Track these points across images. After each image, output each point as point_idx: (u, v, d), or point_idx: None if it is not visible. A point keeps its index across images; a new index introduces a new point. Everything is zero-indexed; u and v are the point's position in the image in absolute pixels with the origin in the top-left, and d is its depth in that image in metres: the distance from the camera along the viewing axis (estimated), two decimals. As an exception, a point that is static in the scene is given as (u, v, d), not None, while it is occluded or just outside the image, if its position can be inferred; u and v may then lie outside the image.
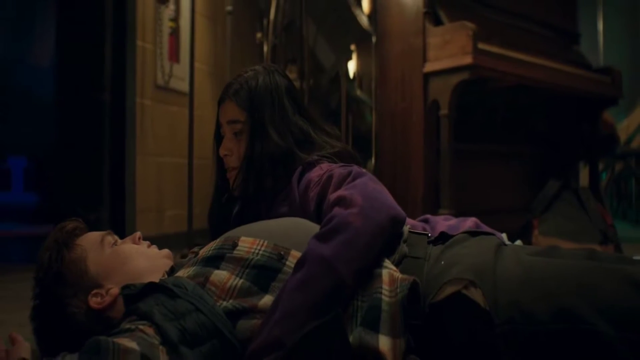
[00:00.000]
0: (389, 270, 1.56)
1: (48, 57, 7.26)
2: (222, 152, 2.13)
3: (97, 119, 4.67)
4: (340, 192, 1.67)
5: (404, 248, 1.69)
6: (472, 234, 1.79)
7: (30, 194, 9.45)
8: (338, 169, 1.84)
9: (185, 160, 4.74)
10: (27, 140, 7.72)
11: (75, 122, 4.77)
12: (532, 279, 1.50)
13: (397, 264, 1.64)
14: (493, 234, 1.83)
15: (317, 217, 1.82)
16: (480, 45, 4.11)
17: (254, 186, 2.06)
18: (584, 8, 7.77)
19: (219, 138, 2.19)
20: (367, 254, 1.56)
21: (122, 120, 4.70)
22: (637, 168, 8.03)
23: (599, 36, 8.76)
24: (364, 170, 1.85)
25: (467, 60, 4.02)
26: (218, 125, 2.19)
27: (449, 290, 1.52)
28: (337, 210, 1.62)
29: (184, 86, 5.14)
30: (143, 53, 4.93)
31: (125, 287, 1.63)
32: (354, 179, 1.73)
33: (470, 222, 2.29)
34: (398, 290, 1.51)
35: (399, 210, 1.67)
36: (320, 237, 1.56)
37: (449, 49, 4.16)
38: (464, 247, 1.68)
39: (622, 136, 7.67)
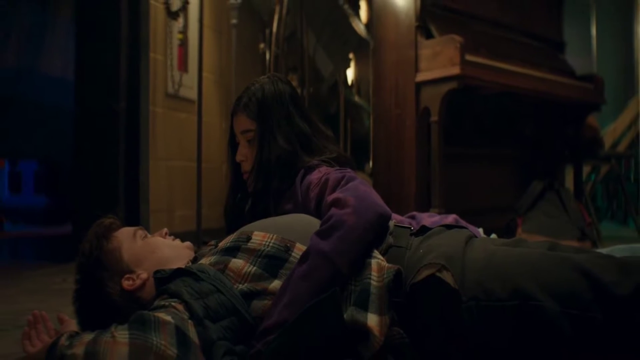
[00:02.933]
0: (377, 260, 1.82)
1: (59, 67, 7.39)
2: (238, 158, 2.34)
3: (113, 126, 4.87)
4: (335, 195, 1.91)
5: (389, 239, 1.94)
6: (448, 227, 2.06)
7: (40, 196, 9.55)
8: (334, 173, 2.07)
9: (194, 163, 4.93)
10: (38, 144, 7.83)
11: (93, 129, 4.98)
12: (493, 263, 1.76)
13: (384, 253, 1.89)
14: (466, 228, 2.11)
15: (317, 214, 2.05)
16: (468, 57, 4.35)
17: (263, 185, 2.26)
18: (577, 13, 7.97)
19: (233, 145, 2.40)
20: (360, 247, 1.82)
21: (136, 127, 4.88)
22: (626, 170, 8.19)
23: (592, 41, 8.86)
24: (355, 174, 2.10)
25: (455, 71, 4.27)
26: (232, 135, 2.40)
27: (426, 272, 1.77)
28: (333, 210, 1.86)
29: (193, 94, 5.33)
30: (154, 64, 5.10)
31: (157, 272, 1.90)
32: (347, 182, 1.97)
33: (450, 218, 2.57)
34: (385, 276, 1.76)
35: (386, 208, 1.92)
36: (320, 234, 1.81)
37: (439, 60, 4.40)
38: (440, 237, 1.94)
39: (609, 139, 7.83)
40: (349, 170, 2.14)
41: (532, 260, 1.76)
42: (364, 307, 1.73)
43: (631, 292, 1.60)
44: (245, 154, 2.35)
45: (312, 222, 1.99)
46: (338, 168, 2.17)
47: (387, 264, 1.81)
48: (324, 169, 2.17)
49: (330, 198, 1.93)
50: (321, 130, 2.42)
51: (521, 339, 1.69)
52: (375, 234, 1.89)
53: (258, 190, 2.29)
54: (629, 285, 1.61)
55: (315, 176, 2.15)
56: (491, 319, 1.70)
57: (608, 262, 1.71)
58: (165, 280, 1.86)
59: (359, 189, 1.93)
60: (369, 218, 1.85)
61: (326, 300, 1.69)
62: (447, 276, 1.75)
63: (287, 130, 2.29)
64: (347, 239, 1.80)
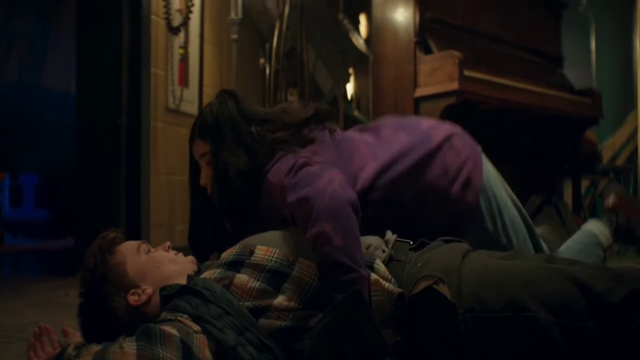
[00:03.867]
0: (376, 276, 1.87)
1: (60, 81, 7.42)
2: (202, 182, 2.39)
3: (114, 140, 4.91)
4: (313, 231, 1.90)
5: (390, 250, 2.00)
6: (446, 241, 2.11)
7: (41, 210, 9.57)
8: (289, 192, 2.08)
9: (195, 178, 4.99)
10: (39, 158, 7.84)
11: (94, 143, 5.02)
12: (488, 275, 1.81)
13: (386, 264, 1.94)
14: (463, 241, 2.15)
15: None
16: (467, 72, 4.39)
17: (227, 203, 2.31)
18: (577, 27, 7.99)
19: (193, 171, 2.46)
20: (357, 239, 1.91)
21: (138, 141, 4.91)
22: (625, 184, 8.20)
23: (591, 54, 8.87)
24: (307, 158, 2.14)
25: (454, 86, 4.31)
26: (193, 162, 2.46)
27: (423, 284, 1.83)
28: (320, 249, 1.88)
29: (193, 109, 5.38)
30: (155, 79, 5.12)
31: (163, 288, 1.93)
32: (309, 200, 1.96)
33: (448, 126, 2.55)
34: (386, 294, 1.83)
35: (346, 193, 1.98)
36: (326, 282, 1.87)
37: (438, 75, 4.43)
38: (437, 251, 1.99)
39: (608, 154, 7.86)
40: (300, 159, 2.15)
41: (526, 272, 1.81)
42: None
43: (622, 300, 1.64)
44: (207, 177, 2.39)
45: None
46: (289, 169, 2.16)
47: (388, 285, 1.85)
48: (277, 177, 2.18)
49: (310, 236, 1.93)
50: (278, 119, 2.41)
51: (517, 349, 1.73)
52: (359, 207, 1.98)
53: (227, 207, 2.33)
54: (620, 293, 1.65)
55: (273, 188, 2.20)
56: (487, 330, 1.74)
57: (601, 271, 1.76)
58: (172, 296, 1.89)
59: (325, 201, 1.95)
60: (347, 216, 1.92)
61: (350, 299, 1.73)
62: (443, 289, 1.80)
63: (236, 145, 2.32)
64: (347, 260, 1.84)
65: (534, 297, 1.71)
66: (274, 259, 1.92)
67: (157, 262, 2.10)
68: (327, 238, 1.86)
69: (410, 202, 2.33)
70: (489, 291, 1.76)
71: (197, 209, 2.51)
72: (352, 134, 2.49)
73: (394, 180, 2.30)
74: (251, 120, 2.37)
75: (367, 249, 1.99)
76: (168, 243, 2.20)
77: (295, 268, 1.91)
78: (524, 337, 1.70)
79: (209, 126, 2.35)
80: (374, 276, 1.86)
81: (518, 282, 1.76)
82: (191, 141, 2.43)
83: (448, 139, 2.43)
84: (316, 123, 2.39)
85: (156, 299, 1.98)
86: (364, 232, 2.03)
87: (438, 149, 2.37)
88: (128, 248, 2.11)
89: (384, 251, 2.00)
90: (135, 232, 4.72)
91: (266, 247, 1.96)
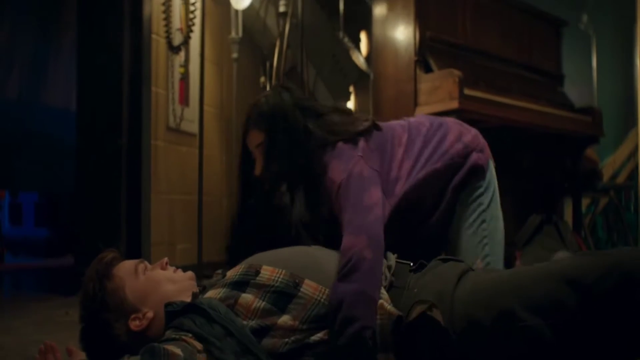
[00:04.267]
0: (381, 300, 1.91)
1: (61, 99, 7.40)
2: (257, 172, 2.41)
3: (115, 159, 4.90)
4: (349, 239, 2.04)
5: (391, 277, 2.03)
6: (444, 260, 2.13)
7: (41, 228, 9.54)
8: (341, 192, 2.20)
9: (195, 197, 4.98)
10: (39, 176, 7.83)
11: (95, 163, 5.02)
12: (477, 290, 1.84)
13: (387, 290, 1.98)
14: (462, 261, 2.15)
15: None
16: (467, 91, 4.39)
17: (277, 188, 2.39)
18: (578, 45, 8.01)
19: (245, 166, 2.49)
20: (381, 267, 2.02)
21: (138, 160, 4.90)
22: (626, 201, 8.18)
23: (592, 72, 8.86)
24: (360, 177, 2.20)
25: (454, 105, 4.31)
26: (245, 154, 2.48)
27: (417, 310, 1.86)
28: (347, 256, 1.98)
29: (194, 128, 5.37)
30: (156, 97, 5.12)
31: (168, 304, 1.94)
32: (355, 213, 2.11)
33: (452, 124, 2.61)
34: (388, 318, 1.86)
35: (381, 230, 2.09)
36: (340, 288, 1.92)
37: (438, 94, 4.44)
38: (434, 274, 2.02)
39: (609, 171, 7.86)
40: (353, 163, 2.25)
41: (515, 279, 1.84)
42: None
43: (615, 285, 1.64)
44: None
45: (322, 256, 2.07)
46: (344, 172, 2.24)
47: (389, 307, 1.89)
48: (335, 176, 2.26)
49: (345, 240, 2.05)
50: (336, 112, 2.49)
51: (513, 357, 1.75)
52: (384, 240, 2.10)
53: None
54: (612, 279, 1.65)
55: (330, 186, 2.27)
56: (481, 349, 1.77)
57: (591, 260, 1.76)
58: (177, 313, 1.90)
59: (369, 215, 2.10)
60: (380, 247, 2.06)
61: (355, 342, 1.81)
62: (436, 314, 1.83)
63: (289, 144, 2.36)
64: (372, 267, 1.98)
65: (522, 304, 1.73)
66: (279, 279, 1.94)
67: (156, 283, 2.09)
68: (359, 248, 1.98)
69: (439, 173, 2.43)
70: (479, 308, 1.79)
71: (248, 200, 2.52)
72: (393, 123, 2.57)
73: (426, 163, 2.40)
74: (307, 114, 2.41)
75: None
76: (166, 259, 2.20)
77: (301, 289, 1.92)
78: (517, 346, 1.72)
79: (265, 116, 2.39)
80: (379, 301, 1.90)
81: (507, 289, 1.79)
82: (246, 132, 2.45)
83: (460, 123, 2.63)
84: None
85: (157, 321, 1.99)
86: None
87: (456, 129, 2.54)
88: (126, 270, 2.10)
89: (386, 277, 2.01)
90: (135, 250, 4.72)
91: (272, 268, 1.97)
